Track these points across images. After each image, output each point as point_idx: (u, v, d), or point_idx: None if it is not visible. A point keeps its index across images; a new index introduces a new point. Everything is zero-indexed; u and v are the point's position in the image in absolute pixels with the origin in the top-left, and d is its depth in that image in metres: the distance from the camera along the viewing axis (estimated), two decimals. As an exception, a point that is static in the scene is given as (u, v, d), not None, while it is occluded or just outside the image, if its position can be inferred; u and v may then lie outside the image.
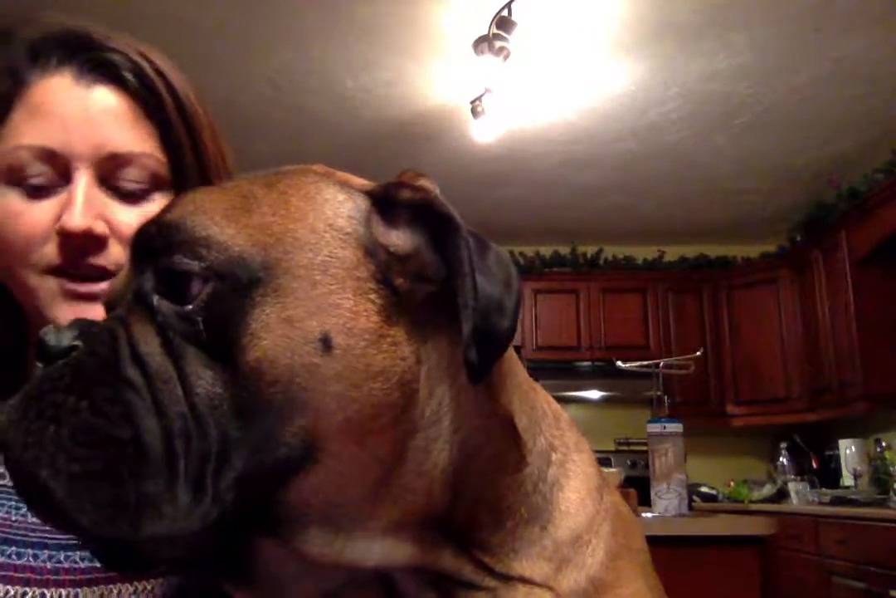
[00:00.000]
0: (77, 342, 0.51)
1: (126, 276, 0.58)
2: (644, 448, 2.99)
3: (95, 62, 0.79)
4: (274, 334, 0.50)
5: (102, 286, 0.76)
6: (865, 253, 4.35)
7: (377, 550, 0.54)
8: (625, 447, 5.32)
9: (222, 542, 0.51)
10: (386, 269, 0.54)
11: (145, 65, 0.81)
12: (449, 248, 0.54)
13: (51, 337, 0.51)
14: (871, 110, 4.02)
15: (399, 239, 0.55)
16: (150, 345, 0.51)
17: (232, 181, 0.58)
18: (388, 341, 0.53)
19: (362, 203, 0.56)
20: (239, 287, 0.50)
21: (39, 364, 0.51)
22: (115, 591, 0.75)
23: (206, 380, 0.49)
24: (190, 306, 0.50)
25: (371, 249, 0.54)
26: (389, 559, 0.55)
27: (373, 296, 0.53)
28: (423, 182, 0.57)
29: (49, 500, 0.47)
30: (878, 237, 4.20)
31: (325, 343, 0.50)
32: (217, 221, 0.53)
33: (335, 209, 0.56)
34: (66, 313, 0.75)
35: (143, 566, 0.56)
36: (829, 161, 4.58)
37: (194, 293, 0.50)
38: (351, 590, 0.57)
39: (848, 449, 4.74)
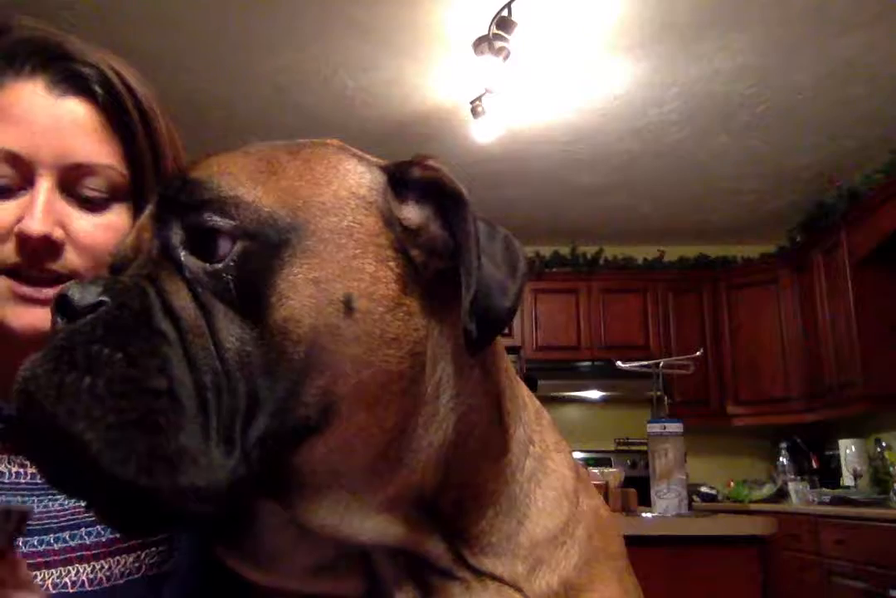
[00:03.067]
0: (104, 298, 0.51)
1: (137, 237, 0.58)
2: (644, 448, 2.99)
3: (68, 73, 0.81)
4: (301, 294, 0.51)
5: (49, 292, 0.78)
6: (865, 253, 4.35)
7: (371, 526, 0.55)
8: (625, 447, 5.33)
9: (238, 501, 0.51)
10: (402, 239, 0.56)
11: (115, 80, 0.83)
12: (456, 222, 0.56)
13: (75, 292, 0.51)
14: (871, 110, 4.02)
15: (410, 213, 0.58)
16: (183, 299, 0.51)
17: (252, 147, 0.58)
18: (403, 309, 0.54)
19: (379, 176, 0.59)
20: (268, 247, 0.52)
21: (60, 319, 0.51)
22: (74, 571, 0.76)
23: (235, 337, 0.50)
24: (220, 264, 0.51)
25: (389, 220, 0.57)
26: (381, 537, 0.56)
27: (392, 264, 0.55)
28: (433, 162, 0.61)
29: (82, 454, 0.46)
30: (878, 237, 4.20)
31: (348, 305, 0.52)
32: (243, 181, 0.54)
33: (357, 179, 0.58)
34: (15, 314, 0.77)
35: (150, 529, 0.57)
36: (829, 161, 4.57)
37: (223, 252, 0.51)
38: (335, 568, 0.58)
39: (848, 449, 4.74)
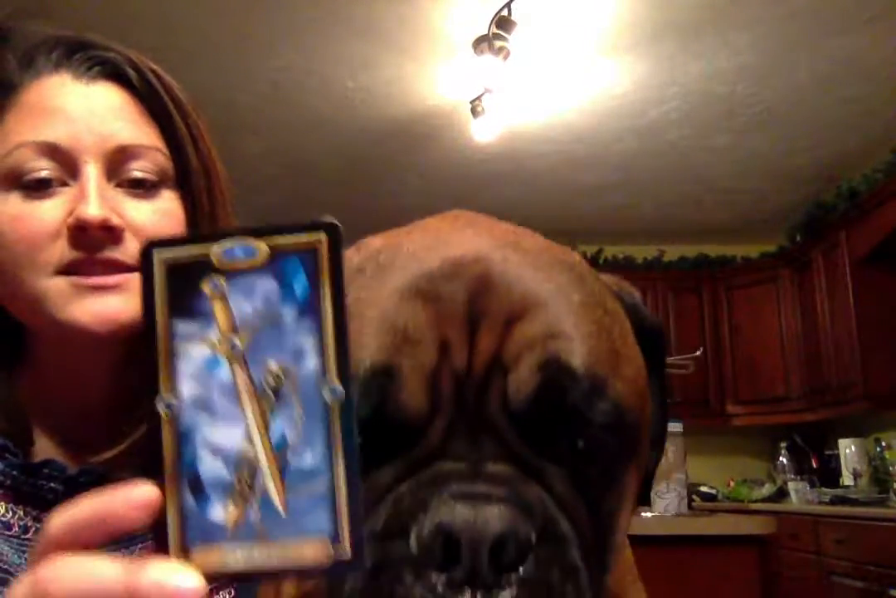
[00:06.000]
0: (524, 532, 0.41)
1: (441, 393, 0.45)
2: (644, 448, 2.98)
3: (94, 61, 0.77)
4: (630, 501, 0.49)
5: (117, 278, 0.72)
6: (865, 253, 4.35)
7: None
8: (625, 447, 5.32)
9: None
10: None
11: (142, 65, 0.79)
12: (660, 378, 0.55)
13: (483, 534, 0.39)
14: (871, 110, 4.02)
15: None
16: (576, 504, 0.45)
17: (576, 294, 0.48)
18: None
19: None
20: (619, 449, 0.47)
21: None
22: None
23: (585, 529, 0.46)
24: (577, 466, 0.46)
25: None
26: None
27: None
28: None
29: None
30: (877, 237, 4.20)
31: None
32: (601, 373, 0.46)
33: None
34: (83, 308, 0.71)
35: None
36: (829, 161, 4.57)
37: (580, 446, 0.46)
38: None
39: (848, 449, 4.74)
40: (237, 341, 0.36)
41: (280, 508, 0.35)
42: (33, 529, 0.74)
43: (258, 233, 0.36)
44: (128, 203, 0.74)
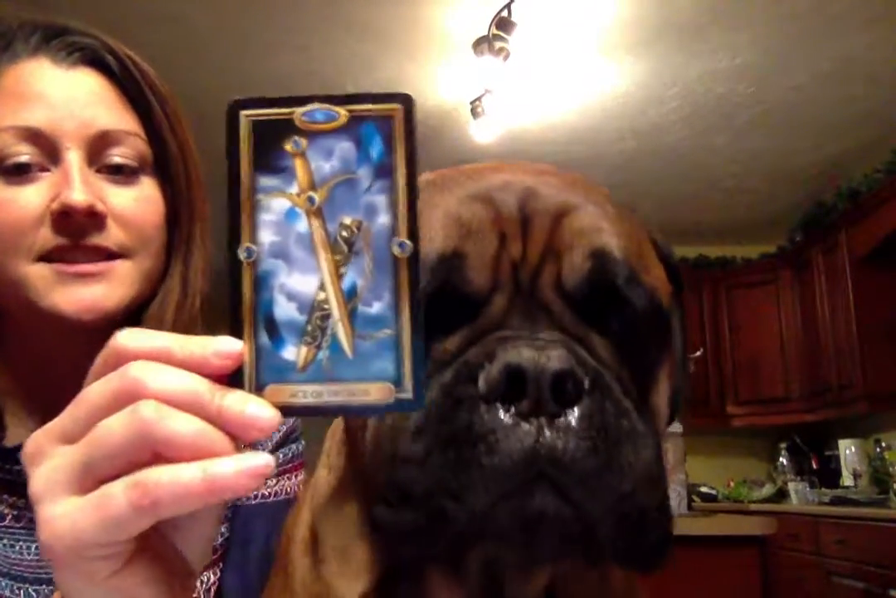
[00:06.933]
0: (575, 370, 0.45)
1: (506, 271, 0.51)
2: (644, 448, 2.98)
3: (73, 47, 0.76)
4: (667, 385, 0.55)
5: (101, 266, 0.72)
6: (865, 253, 4.35)
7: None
8: (625, 447, 5.31)
9: None
10: None
11: (120, 52, 0.79)
12: (680, 313, 0.62)
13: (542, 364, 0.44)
14: (871, 110, 4.02)
15: None
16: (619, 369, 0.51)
17: (607, 206, 0.56)
18: None
19: None
20: (653, 335, 0.53)
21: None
22: None
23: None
24: (616, 339, 0.51)
25: None
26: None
27: None
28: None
29: None
30: (877, 237, 4.20)
31: None
32: (636, 266, 0.53)
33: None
34: (66, 296, 0.71)
35: None
36: (829, 161, 4.57)
37: (616, 327, 0.51)
38: None
39: (848, 449, 4.74)
40: (315, 196, 0.39)
41: (348, 350, 0.38)
42: (10, 516, 0.73)
43: (338, 100, 0.39)
44: (109, 189, 0.74)
